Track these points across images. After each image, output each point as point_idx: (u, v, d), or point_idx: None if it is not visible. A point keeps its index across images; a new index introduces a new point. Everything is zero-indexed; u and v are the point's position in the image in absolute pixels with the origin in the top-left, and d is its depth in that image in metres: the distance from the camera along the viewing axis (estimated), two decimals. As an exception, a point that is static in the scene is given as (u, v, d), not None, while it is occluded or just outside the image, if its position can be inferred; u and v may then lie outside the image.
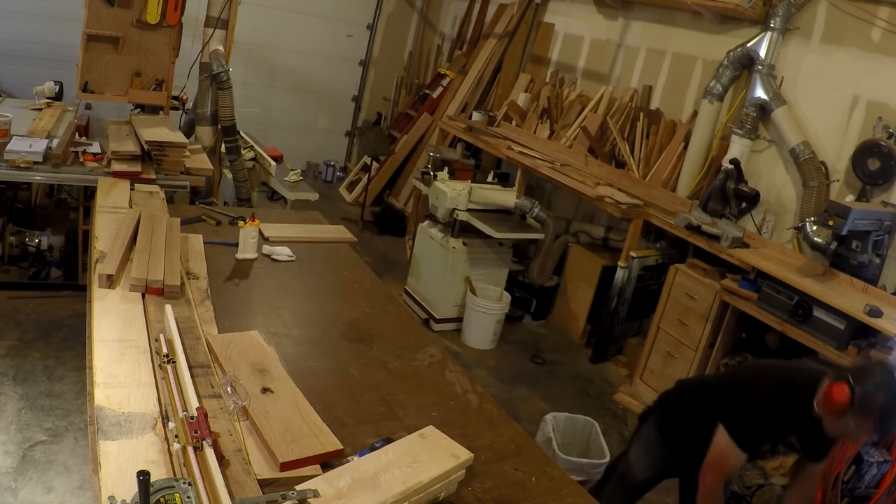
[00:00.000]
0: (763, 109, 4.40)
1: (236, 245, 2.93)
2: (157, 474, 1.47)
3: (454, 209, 4.59)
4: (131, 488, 1.35)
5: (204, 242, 2.90)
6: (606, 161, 5.42)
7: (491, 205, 4.70)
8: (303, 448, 1.71)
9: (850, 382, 1.93)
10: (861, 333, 3.23)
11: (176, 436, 1.59)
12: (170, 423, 1.65)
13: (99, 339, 2.01)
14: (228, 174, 4.84)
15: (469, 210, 4.60)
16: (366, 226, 6.56)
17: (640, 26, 5.54)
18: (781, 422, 2.15)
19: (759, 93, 4.38)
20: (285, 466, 1.65)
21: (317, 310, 2.68)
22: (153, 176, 3.56)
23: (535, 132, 6.05)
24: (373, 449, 1.76)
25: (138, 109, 4.38)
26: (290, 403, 1.89)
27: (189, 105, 4.77)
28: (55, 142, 3.62)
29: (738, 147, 4.46)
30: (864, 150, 3.84)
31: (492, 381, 4.25)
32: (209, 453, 1.54)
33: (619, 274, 4.51)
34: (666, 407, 2.58)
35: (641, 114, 5.32)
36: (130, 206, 3.07)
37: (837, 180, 4.12)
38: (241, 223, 2.95)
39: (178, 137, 3.75)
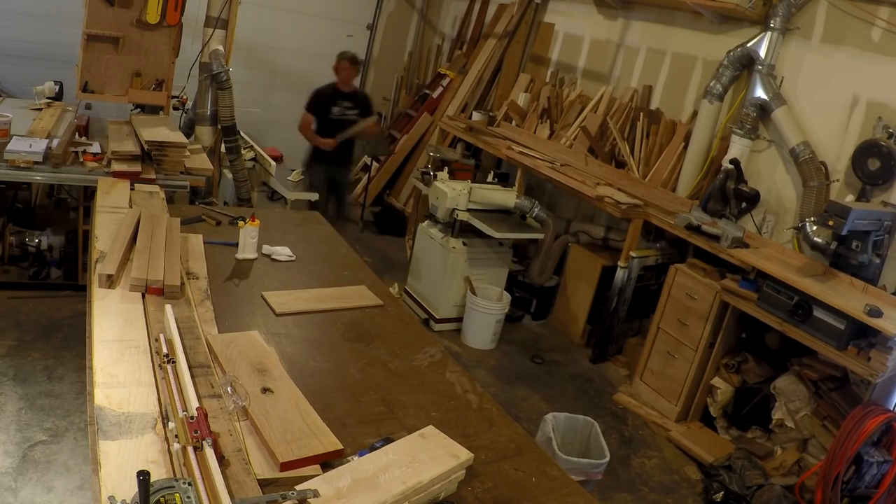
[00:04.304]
0: (763, 109, 4.40)
1: (236, 245, 2.94)
2: (157, 474, 1.47)
3: (454, 209, 4.59)
4: (131, 488, 1.35)
5: (204, 242, 2.90)
6: (606, 161, 5.42)
7: (491, 205, 4.70)
8: (303, 448, 1.71)
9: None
10: (861, 333, 3.23)
11: (176, 436, 1.59)
12: (170, 423, 1.65)
13: (99, 339, 2.01)
14: (228, 174, 4.84)
15: (469, 210, 4.60)
16: (366, 226, 6.56)
17: (640, 26, 5.54)
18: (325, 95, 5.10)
19: (759, 93, 4.38)
20: (285, 466, 1.65)
21: (317, 310, 2.67)
22: (153, 176, 3.57)
23: (535, 132, 6.05)
24: (373, 449, 1.76)
25: (138, 109, 4.38)
26: (290, 403, 1.89)
27: (189, 105, 4.77)
28: (55, 142, 3.62)
29: (738, 147, 4.46)
30: (864, 150, 3.84)
31: (492, 381, 4.25)
32: (209, 453, 1.54)
33: (619, 274, 4.51)
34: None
35: (641, 114, 5.31)
36: (130, 206, 3.07)
37: (837, 180, 4.12)
38: (241, 223, 2.95)
39: (178, 137, 3.76)
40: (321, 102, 5.12)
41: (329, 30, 7.48)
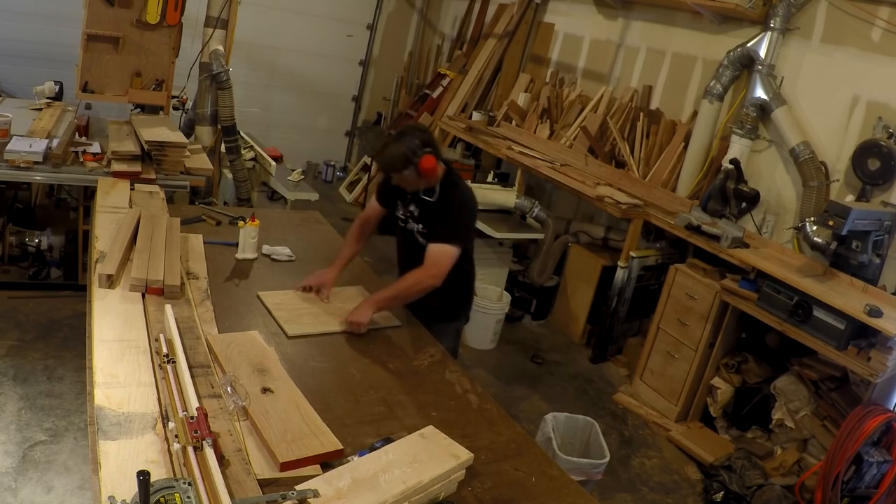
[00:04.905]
0: (763, 109, 4.40)
1: (236, 245, 2.94)
2: (157, 474, 1.47)
3: (454, 209, 4.58)
4: (131, 488, 1.35)
5: (204, 242, 2.90)
6: (606, 161, 5.41)
7: (491, 205, 4.70)
8: (303, 448, 1.71)
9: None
10: (861, 333, 3.23)
11: (176, 436, 1.59)
12: (170, 423, 1.65)
13: (99, 339, 2.01)
14: (228, 174, 4.84)
15: (469, 210, 4.59)
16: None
17: (640, 26, 5.54)
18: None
19: (759, 93, 4.38)
20: (285, 466, 1.65)
21: (317, 310, 2.67)
22: (153, 176, 3.57)
23: (535, 132, 6.04)
24: (373, 449, 1.76)
25: (138, 109, 4.38)
26: (290, 403, 1.89)
27: (189, 105, 4.77)
28: (55, 142, 3.61)
29: (738, 147, 4.46)
30: (864, 150, 3.84)
31: (492, 381, 4.25)
32: (209, 453, 1.54)
33: (619, 274, 4.51)
34: None
35: (641, 114, 5.31)
36: (130, 206, 3.07)
37: (837, 180, 4.12)
38: (241, 223, 2.95)
39: (178, 137, 3.75)
40: None
41: (329, 30, 7.49)
